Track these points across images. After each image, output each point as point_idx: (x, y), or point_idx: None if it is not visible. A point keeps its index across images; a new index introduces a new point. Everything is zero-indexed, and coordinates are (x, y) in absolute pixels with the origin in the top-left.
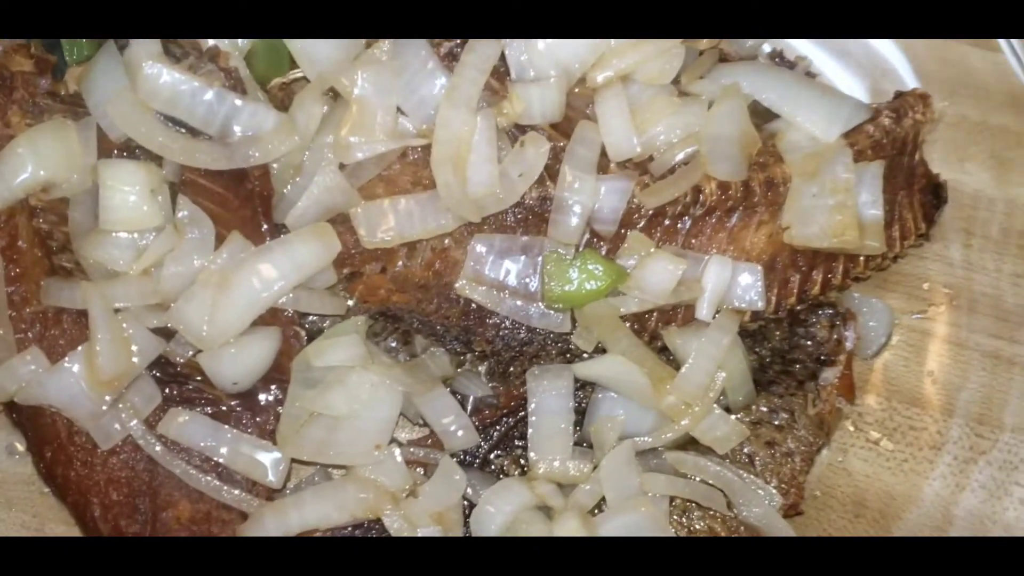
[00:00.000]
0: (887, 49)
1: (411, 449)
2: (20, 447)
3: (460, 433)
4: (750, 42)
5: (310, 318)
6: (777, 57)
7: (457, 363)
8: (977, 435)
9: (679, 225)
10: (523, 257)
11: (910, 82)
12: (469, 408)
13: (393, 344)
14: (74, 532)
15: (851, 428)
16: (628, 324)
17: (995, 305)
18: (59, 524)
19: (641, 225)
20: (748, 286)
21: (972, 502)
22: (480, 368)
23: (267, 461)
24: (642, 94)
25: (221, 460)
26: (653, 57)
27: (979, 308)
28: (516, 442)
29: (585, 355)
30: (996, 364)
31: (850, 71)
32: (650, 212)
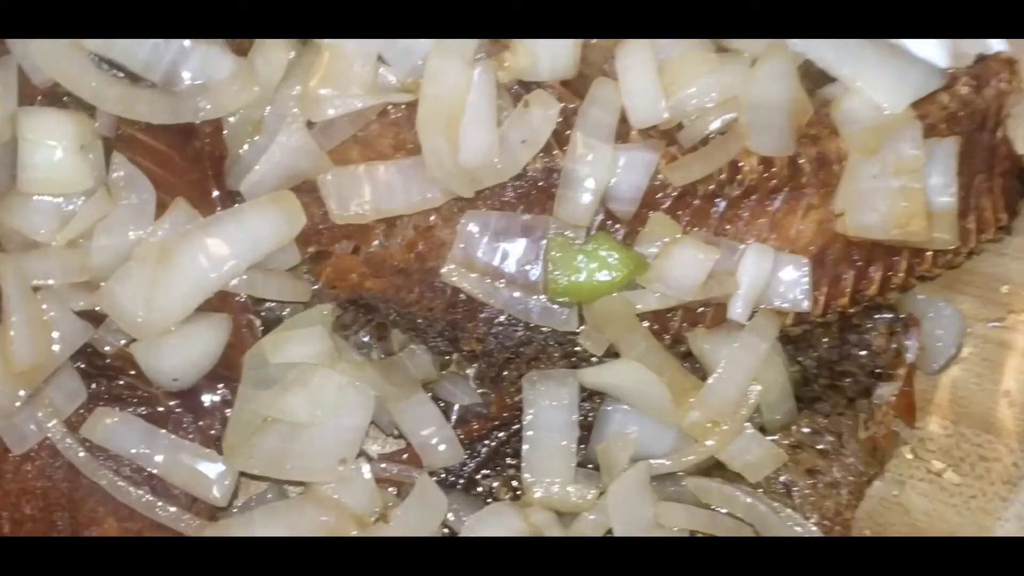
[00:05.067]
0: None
1: (383, 465)
2: None
3: (442, 447)
4: None
5: (267, 305)
6: None
7: (441, 364)
8: None
9: (712, 207)
10: (524, 240)
11: (996, 44)
12: (454, 418)
13: (365, 339)
14: None
15: (909, 456)
16: (647, 324)
17: None
18: None
19: (666, 206)
20: (792, 282)
21: None
22: (468, 371)
23: (211, 473)
24: (672, 49)
25: (156, 471)
26: None
27: None
28: (508, 460)
29: (594, 359)
30: None
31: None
32: (677, 191)
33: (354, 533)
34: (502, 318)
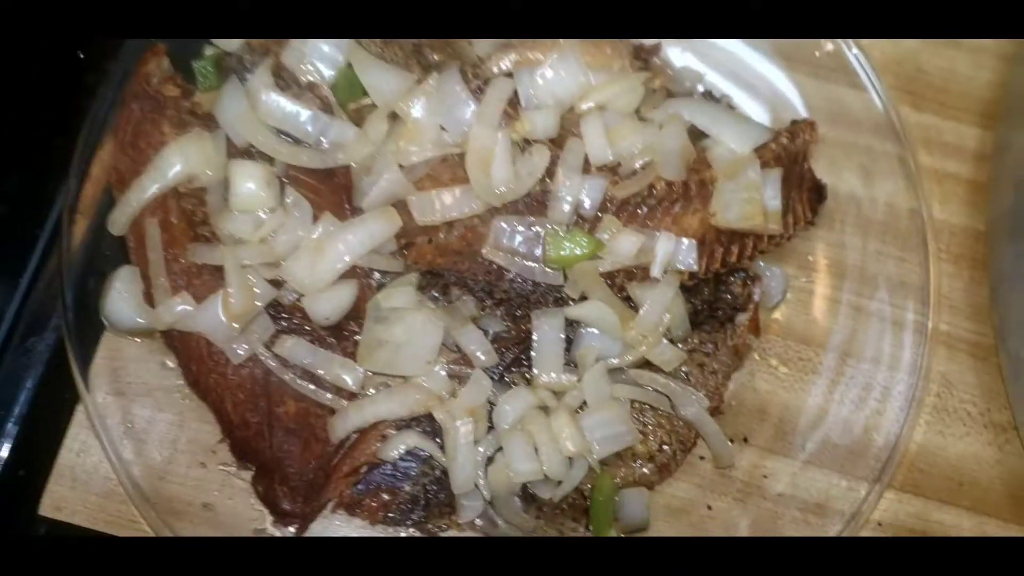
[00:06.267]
0: (786, 89)
1: (451, 365)
2: (170, 364)
3: (483, 356)
4: (688, 82)
5: (376, 275)
6: (707, 95)
7: (481, 307)
8: (847, 365)
9: (639, 211)
10: (530, 232)
11: (802, 113)
12: (489, 339)
13: (435, 294)
14: (207, 428)
15: (757, 357)
16: (603, 280)
17: (861, 272)
18: (195, 421)
19: (612, 211)
20: (686, 254)
21: (844, 412)
22: (498, 312)
23: (349, 373)
24: (613, 119)
25: (317, 372)
26: (622, 93)
27: (849, 274)
28: (523, 363)
29: (573, 301)
30: (859, 314)
31: (759, 105)
32: (619, 202)
33: (436, 404)
34: (518, 279)
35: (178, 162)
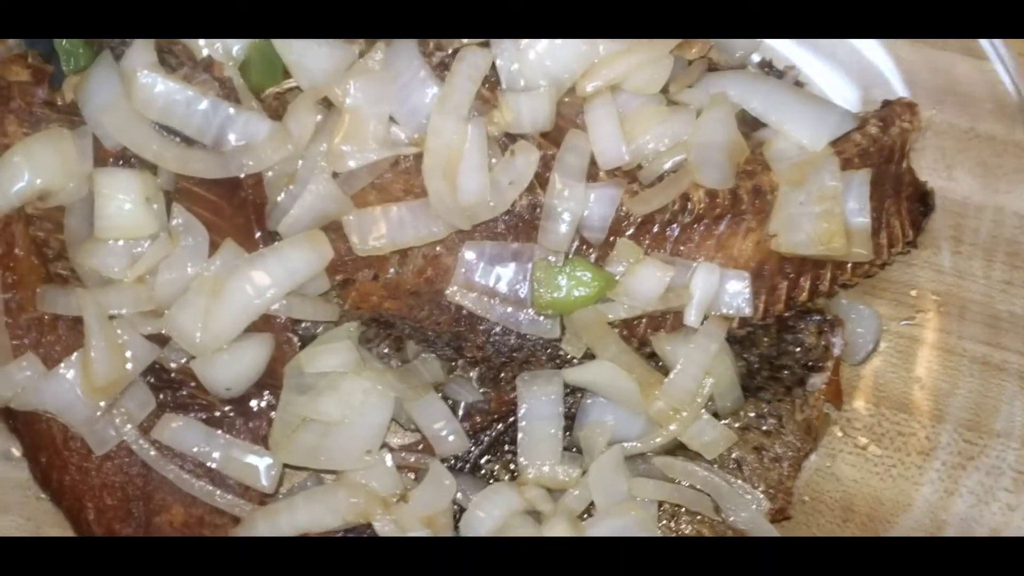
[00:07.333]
0: (877, 57)
1: (402, 454)
2: (16, 452)
3: (451, 438)
4: (739, 52)
5: (303, 325)
6: (767, 66)
7: (449, 369)
8: (966, 441)
9: (667, 232)
10: (513, 264)
11: (899, 91)
12: (460, 413)
13: (386, 350)
14: (69, 535)
15: (839, 433)
16: (617, 330)
17: (984, 311)
18: (54, 528)
19: (630, 233)
20: (736, 293)
21: (961, 507)
22: (471, 374)
23: (259, 466)
24: (631, 103)
25: (214, 465)
26: (642, 67)
27: (968, 314)
28: (506, 447)
29: (574, 361)
30: (985, 370)
31: (840, 80)
32: (639, 220)
33: (379, 512)
34: (497, 329)
35: (26, 171)
